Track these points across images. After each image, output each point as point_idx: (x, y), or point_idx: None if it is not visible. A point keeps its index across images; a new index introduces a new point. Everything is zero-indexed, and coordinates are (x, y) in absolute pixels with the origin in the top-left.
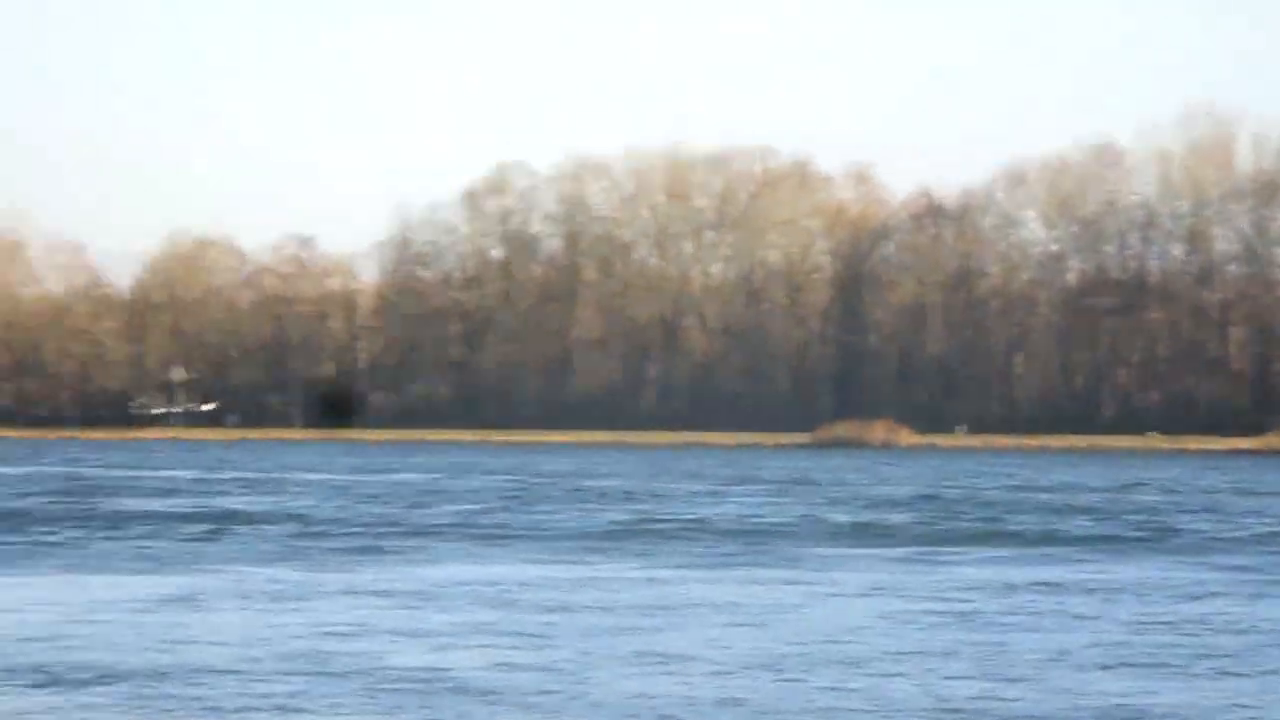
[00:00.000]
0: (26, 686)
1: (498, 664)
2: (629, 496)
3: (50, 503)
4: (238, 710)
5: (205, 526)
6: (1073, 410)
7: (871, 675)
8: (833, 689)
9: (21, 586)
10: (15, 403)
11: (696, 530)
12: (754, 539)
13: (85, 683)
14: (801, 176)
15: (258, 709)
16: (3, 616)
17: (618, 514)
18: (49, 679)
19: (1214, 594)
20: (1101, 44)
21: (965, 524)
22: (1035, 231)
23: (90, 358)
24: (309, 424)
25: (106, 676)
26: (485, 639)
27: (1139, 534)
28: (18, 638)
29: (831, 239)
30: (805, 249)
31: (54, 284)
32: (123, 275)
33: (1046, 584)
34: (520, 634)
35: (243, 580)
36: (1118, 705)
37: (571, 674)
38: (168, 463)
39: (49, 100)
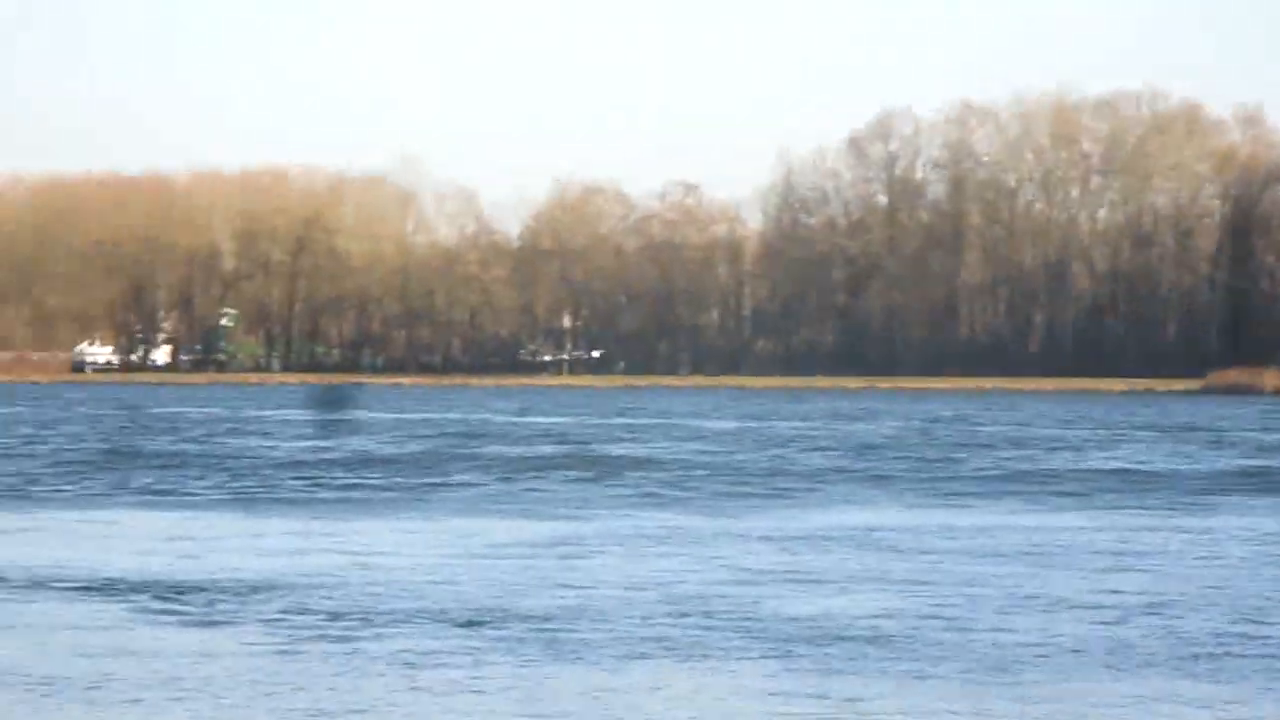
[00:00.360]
0: (424, 626)
1: (883, 610)
2: (1015, 442)
3: (441, 448)
4: (629, 657)
5: (592, 471)
6: None
7: (1258, 621)
8: (1219, 634)
9: (414, 530)
10: (408, 350)
11: (1083, 475)
12: (1141, 484)
13: (477, 624)
14: (1190, 119)
15: (651, 655)
16: (398, 559)
17: (1004, 459)
18: (442, 619)
19: None
20: None
21: None
22: None
23: (480, 305)
24: (696, 370)
25: (499, 619)
26: (870, 584)
27: None
28: (413, 580)
29: (1221, 182)
30: (1194, 193)
31: (445, 232)
32: (512, 223)
33: None
34: (905, 580)
35: (629, 524)
36: None
37: (956, 620)
38: (555, 408)
39: (441, 53)
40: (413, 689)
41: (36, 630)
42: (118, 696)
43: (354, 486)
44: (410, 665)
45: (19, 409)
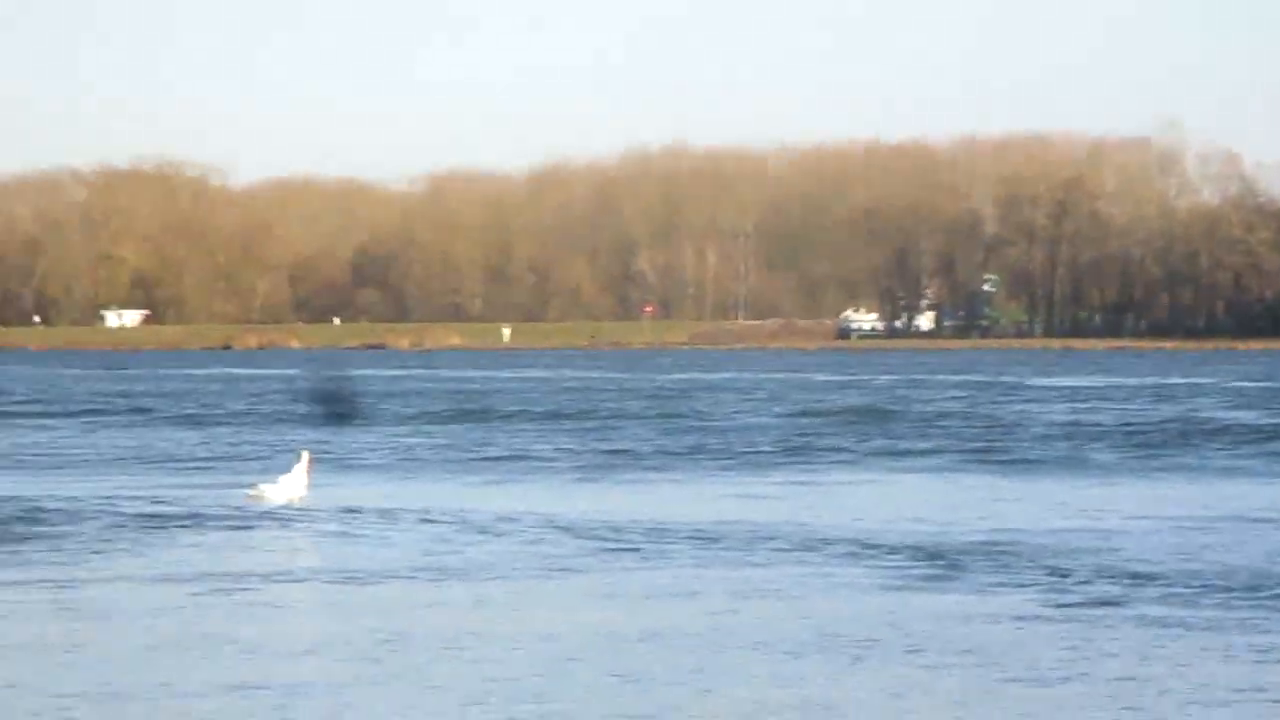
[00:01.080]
0: (1192, 591)
1: None
2: None
3: (1190, 416)
4: None
5: None
6: None
7: None
8: None
9: (1163, 493)
10: (1170, 314)
11: None
12: None
13: (1243, 590)
14: None
15: None
16: (1137, 523)
17: None
18: (1208, 585)
19: None
20: None
21: None
22: None
23: (1244, 268)
24: None
25: (1261, 586)
26: None
27: None
28: (1163, 544)
29: None
30: None
31: (1209, 194)
32: (1277, 184)
33: None
34: None
35: None
36: None
37: None
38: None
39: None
40: (1225, 658)
41: (851, 591)
42: (894, 658)
43: (1086, 448)
44: (1205, 630)
45: (790, 375)
